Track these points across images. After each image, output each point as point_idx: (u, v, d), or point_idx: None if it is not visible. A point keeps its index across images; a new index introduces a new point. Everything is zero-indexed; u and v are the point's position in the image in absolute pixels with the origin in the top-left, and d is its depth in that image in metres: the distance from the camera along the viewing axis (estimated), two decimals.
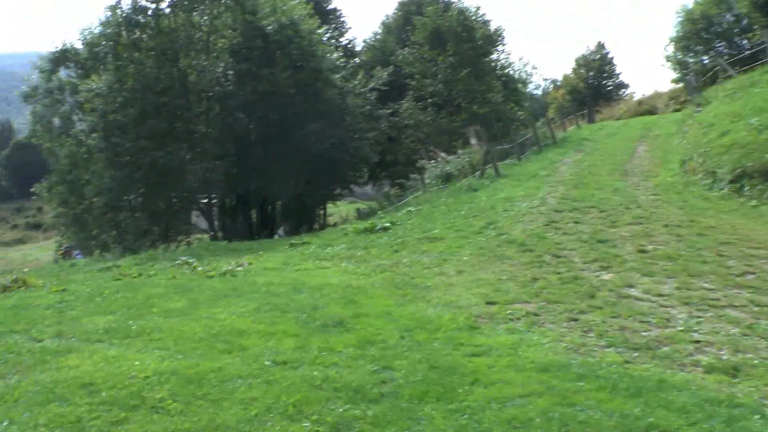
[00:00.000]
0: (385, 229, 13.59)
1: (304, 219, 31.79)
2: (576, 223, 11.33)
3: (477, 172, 19.35)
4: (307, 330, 6.08)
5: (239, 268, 11.12)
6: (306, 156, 24.77)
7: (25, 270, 13.20)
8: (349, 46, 36.59)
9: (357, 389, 4.51)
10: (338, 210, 37.99)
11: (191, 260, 12.31)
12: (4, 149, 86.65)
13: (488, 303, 7.07)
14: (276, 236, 25.74)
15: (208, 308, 7.31)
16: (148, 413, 4.14)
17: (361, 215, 26.46)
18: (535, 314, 6.60)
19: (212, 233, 24.13)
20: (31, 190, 34.18)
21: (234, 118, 22.74)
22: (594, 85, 54.84)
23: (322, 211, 34.40)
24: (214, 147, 22.16)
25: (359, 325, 6.22)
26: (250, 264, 11.66)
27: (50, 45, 32.17)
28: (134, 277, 10.56)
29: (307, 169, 24.76)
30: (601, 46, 57.31)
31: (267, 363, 5.08)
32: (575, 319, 6.37)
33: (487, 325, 6.30)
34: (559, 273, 8.17)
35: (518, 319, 6.47)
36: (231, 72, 22.71)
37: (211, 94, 22.34)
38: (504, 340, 5.76)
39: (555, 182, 16.55)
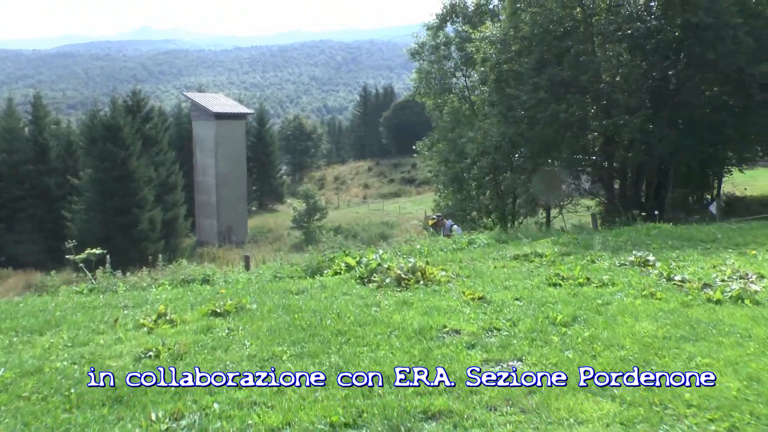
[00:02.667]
0: None
1: (694, 188, 26.32)
2: None
3: None
4: None
5: (754, 287, 6.89)
6: (734, 108, 18.97)
7: (403, 241, 11.12)
8: None
9: None
10: (731, 179, 28.78)
11: (649, 257, 8.55)
12: (385, 111, 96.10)
13: None
14: (692, 211, 20.76)
15: None
16: None
17: None
18: None
19: (608, 202, 20.29)
20: (413, 147, 34.97)
21: (650, 61, 18.29)
22: None
23: (716, 181, 27.49)
24: (625, 98, 18.14)
25: None
26: (761, 276, 7.58)
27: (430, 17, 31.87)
28: (580, 284, 7.41)
29: (725, 125, 18.73)
30: None
31: None
32: None
33: None
34: None
35: None
36: (653, 4, 18.21)
37: (629, 31, 18.17)
38: None
39: None
